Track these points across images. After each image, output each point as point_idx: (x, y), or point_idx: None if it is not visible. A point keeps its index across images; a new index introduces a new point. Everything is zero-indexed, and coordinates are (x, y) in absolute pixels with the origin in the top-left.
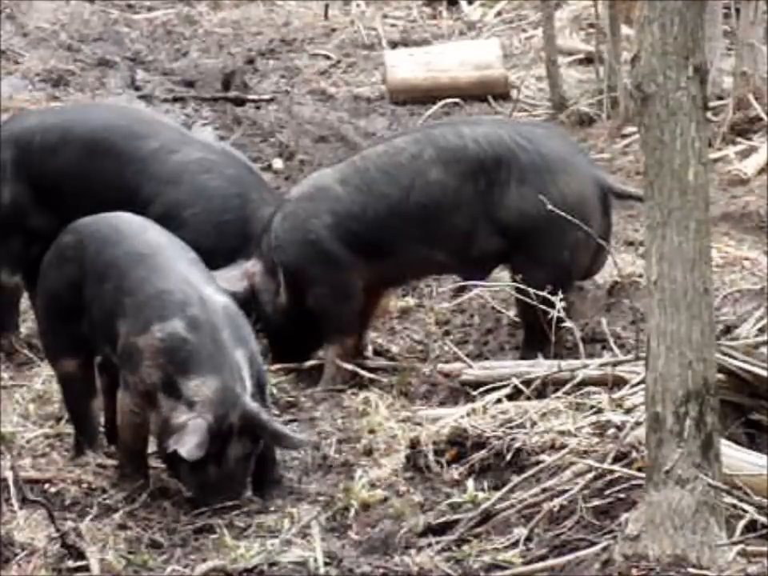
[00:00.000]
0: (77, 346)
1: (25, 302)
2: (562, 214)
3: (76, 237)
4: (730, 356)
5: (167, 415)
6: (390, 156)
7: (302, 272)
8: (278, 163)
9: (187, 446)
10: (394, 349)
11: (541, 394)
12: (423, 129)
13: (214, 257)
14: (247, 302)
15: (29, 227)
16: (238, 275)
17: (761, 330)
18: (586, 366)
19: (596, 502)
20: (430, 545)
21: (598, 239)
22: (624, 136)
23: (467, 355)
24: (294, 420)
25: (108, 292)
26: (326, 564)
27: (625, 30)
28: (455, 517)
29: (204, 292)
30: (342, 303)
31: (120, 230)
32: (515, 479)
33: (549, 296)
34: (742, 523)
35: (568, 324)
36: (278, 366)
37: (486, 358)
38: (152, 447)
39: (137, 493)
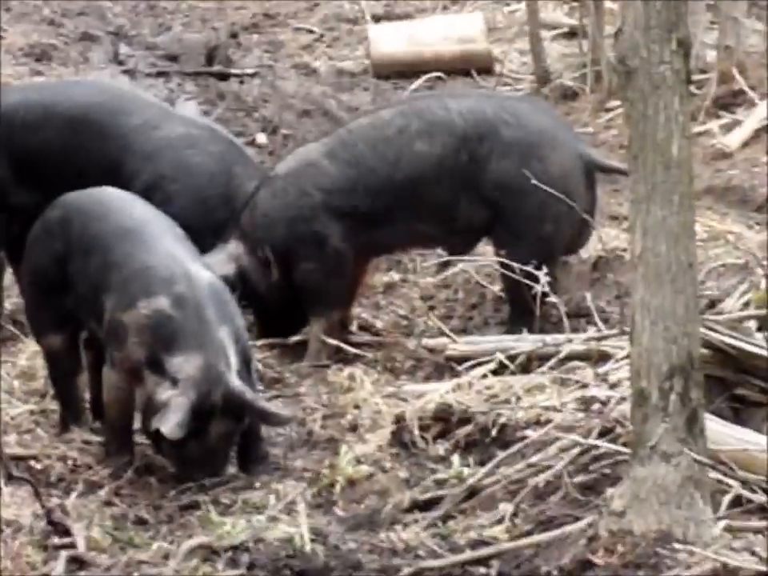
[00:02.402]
0: (62, 321)
1: (9, 278)
2: (546, 188)
3: (62, 212)
4: (715, 330)
5: (151, 391)
6: (377, 129)
7: (292, 248)
8: (261, 138)
9: (169, 424)
10: (379, 324)
11: (526, 368)
12: (409, 101)
13: (199, 232)
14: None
15: (11, 204)
16: (224, 258)
17: (745, 305)
18: (570, 341)
19: (581, 478)
20: (415, 521)
21: (583, 213)
22: (607, 110)
23: (452, 330)
24: (279, 396)
25: (93, 267)
26: (311, 540)
27: (608, 3)
28: (441, 493)
29: (190, 268)
30: (331, 278)
31: (106, 204)
32: (500, 455)
33: (534, 271)
34: (727, 498)
35: (553, 299)
36: (262, 341)
37: (471, 333)
38: (137, 424)
39: (122, 469)
